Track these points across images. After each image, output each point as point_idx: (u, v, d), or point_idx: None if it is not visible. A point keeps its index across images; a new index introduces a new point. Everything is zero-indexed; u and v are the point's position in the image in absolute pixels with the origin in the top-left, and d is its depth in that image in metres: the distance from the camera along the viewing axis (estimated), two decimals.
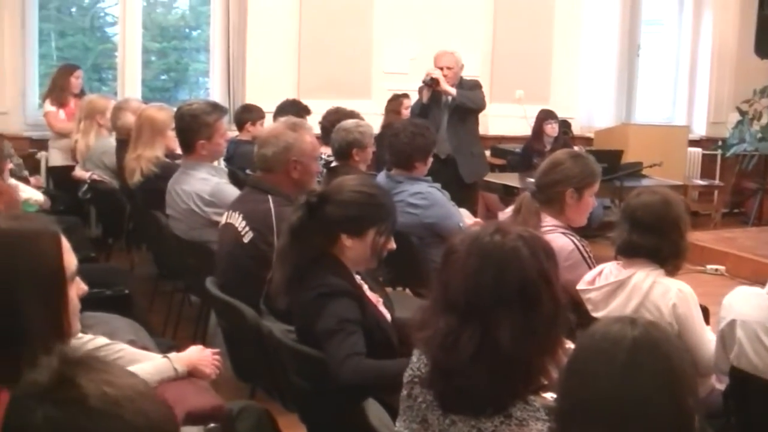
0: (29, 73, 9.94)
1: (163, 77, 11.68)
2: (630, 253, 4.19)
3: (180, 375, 3.55)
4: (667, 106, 13.56)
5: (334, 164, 6.60)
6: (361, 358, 3.42)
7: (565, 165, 4.73)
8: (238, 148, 8.61)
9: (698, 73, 13.39)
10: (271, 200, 4.83)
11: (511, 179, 9.43)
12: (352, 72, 10.76)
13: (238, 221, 4.86)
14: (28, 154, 9.43)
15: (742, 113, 12.76)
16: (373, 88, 10.95)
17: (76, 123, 8.60)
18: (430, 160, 6.36)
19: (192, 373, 3.60)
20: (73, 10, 11.21)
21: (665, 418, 2.06)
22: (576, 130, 12.11)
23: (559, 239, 4.54)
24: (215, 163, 6.23)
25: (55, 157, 9.24)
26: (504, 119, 11.47)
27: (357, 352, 3.43)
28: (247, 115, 9.22)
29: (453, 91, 8.37)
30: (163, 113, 6.83)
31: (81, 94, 9.28)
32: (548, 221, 4.70)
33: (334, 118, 7.47)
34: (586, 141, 11.89)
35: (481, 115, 8.89)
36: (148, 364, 3.42)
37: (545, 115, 10.82)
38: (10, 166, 6.63)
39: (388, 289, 4.98)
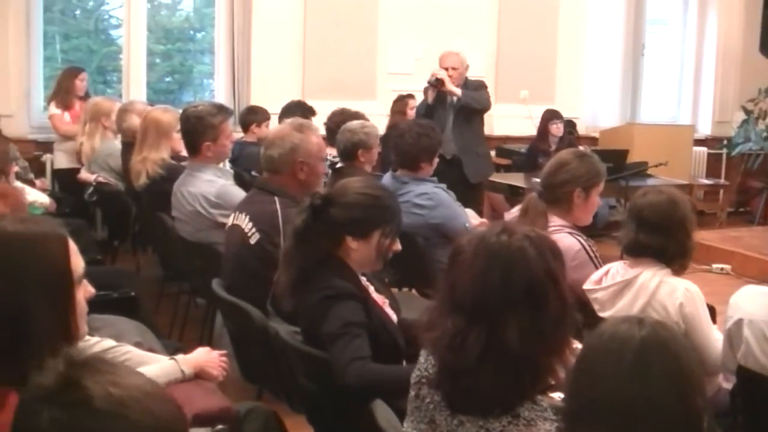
0: (34, 76, 9.94)
1: (167, 79, 11.67)
2: (636, 252, 4.18)
3: (187, 377, 3.55)
4: (672, 106, 13.56)
5: (339, 165, 6.60)
6: (365, 362, 3.40)
7: (571, 165, 4.73)
8: (244, 149, 8.60)
9: (703, 72, 13.39)
10: (277, 202, 4.83)
11: (517, 179, 9.44)
12: (356, 73, 10.75)
13: (244, 223, 4.86)
14: (34, 156, 9.43)
15: (748, 112, 12.76)
16: (378, 89, 10.94)
17: (82, 125, 8.59)
18: (436, 160, 6.36)
19: (199, 375, 3.60)
20: (78, 12, 11.21)
21: (674, 418, 2.06)
22: (581, 129, 12.12)
23: (566, 239, 4.53)
24: (221, 165, 6.23)
25: (60, 159, 9.24)
26: (509, 119, 11.47)
27: (361, 356, 3.42)
28: (252, 116, 9.21)
29: (458, 91, 8.37)
30: (168, 115, 6.83)
31: (86, 97, 9.27)
32: (555, 221, 4.70)
33: (339, 119, 7.46)
34: (591, 141, 11.88)
35: (486, 116, 8.89)
36: (155, 366, 3.42)
37: (550, 115, 10.82)
38: (16, 169, 6.64)
39: (395, 290, 4.98)
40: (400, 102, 10.37)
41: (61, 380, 1.69)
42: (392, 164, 6.56)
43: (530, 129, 11.21)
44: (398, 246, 3.80)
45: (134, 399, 1.69)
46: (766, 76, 12.53)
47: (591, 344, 2.19)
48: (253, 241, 4.80)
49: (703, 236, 9.17)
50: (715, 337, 4.07)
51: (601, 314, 4.19)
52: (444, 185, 6.33)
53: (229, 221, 5.04)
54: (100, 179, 7.94)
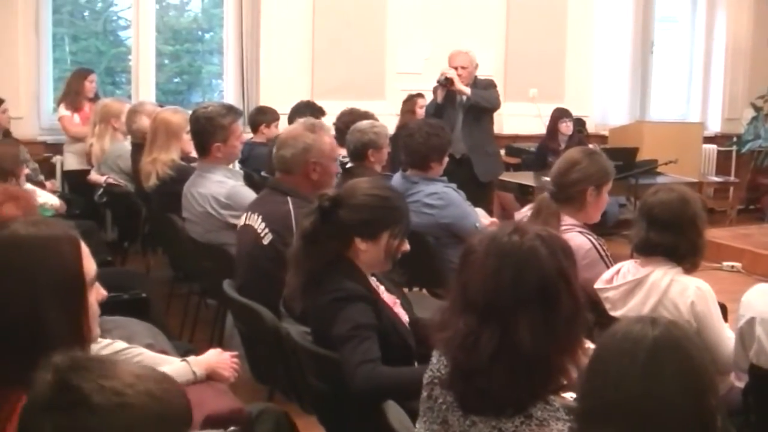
0: (43, 78, 9.95)
1: (176, 80, 11.68)
2: (647, 251, 4.18)
3: (199, 378, 3.56)
4: (682, 103, 13.54)
5: (349, 165, 6.59)
6: (375, 365, 3.40)
7: (582, 164, 4.73)
8: (253, 150, 8.61)
9: (712, 69, 13.37)
10: (290, 202, 4.83)
11: (526, 178, 9.43)
12: (365, 73, 10.75)
13: (257, 223, 4.86)
14: (44, 158, 9.45)
15: (757, 109, 12.74)
16: (387, 89, 10.94)
17: (91, 127, 8.61)
18: (446, 160, 6.35)
19: (211, 377, 3.61)
20: (86, 14, 11.23)
21: (687, 417, 2.06)
22: (590, 128, 12.11)
23: (577, 238, 4.53)
24: (230, 166, 6.23)
25: (70, 161, 9.25)
26: (518, 118, 11.46)
27: (371, 359, 3.41)
28: (262, 117, 9.22)
29: (467, 90, 8.36)
30: (177, 116, 6.83)
31: (95, 98, 9.28)
32: (565, 220, 4.69)
33: (348, 119, 7.46)
34: (601, 139, 11.86)
35: (495, 115, 8.88)
36: (167, 368, 3.40)
37: (560, 114, 10.82)
38: (27, 171, 6.65)
39: (405, 290, 4.98)
40: (410, 101, 10.37)
41: (53, 387, 1.70)
42: (402, 164, 6.56)
43: (539, 128, 11.21)
44: (407, 246, 3.79)
45: (128, 385, 1.71)
46: None
47: (604, 344, 2.19)
48: (265, 241, 4.80)
49: (714, 234, 9.14)
50: (727, 336, 4.06)
51: (613, 313, 4.19)
52: (454, 185, 6.32)
53: (241, 221, 5.04)
54: (110, 180, 7.95)
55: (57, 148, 9.56)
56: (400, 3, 11.03)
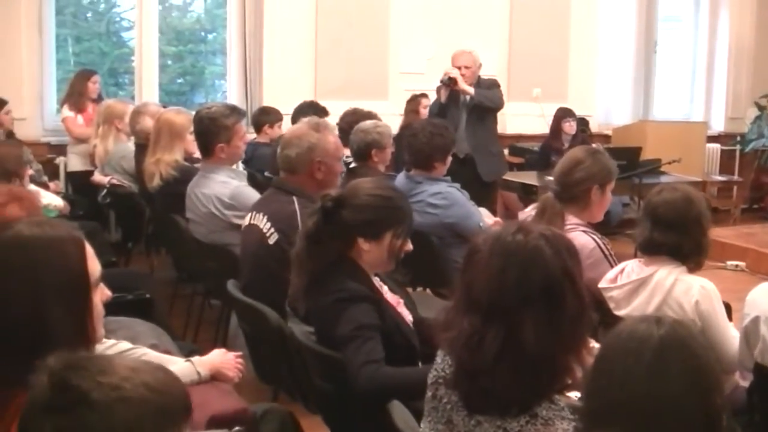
0: (47, 79, 9.98)
1: (179, 81, 11.68)
2: (652, 250, 4.17)
3: (203, 379, 3.56)
4: (685, 103, 13.54)
5: (353, 165, 6.59)
6: (378, 366, 3.40)
7: (586, 163, 4.72)
8: (257, 150, 8.61)
9: (716, 68, 13.36)
10: (296, 201, 4.83)
11: (530, 178, 9.44)
12: (368, 73, 10.74)
13: (262, 223, 4.86)
14: (47, 159, 9.46)
15: (761, 108, 12.74)
16: (390, 89, 10.94)
17: (95, 128, 8.62)
18: (449, 159, 6.35)
19: (215, 377, 3.61)
20: (89, 15, 11.23)
21: (693, 417, 2.06)
22: (594, 127, 12.10)
23: (581, 237, 4.53)
24: (234, 166, 6.23)
25: (73, 162, 9.26)
26: (522, 118, 11.45)
27: (374, 360, 3.41)
28: (265, 117, 9.23)
29: (471, 90, 8.36)
30: (181, 117, 6.83)
31: (99, 99, 9.29)
32: (569, 219, 4.69)
33: (351, 119, 7.46)
34: (604, 138, 11.85)
35: (499, 114, 8.86)
36: (171, 368, 3.42)
37: (563, 113, 10.80)
38: (30, 172, 6.64)
39: (408, 290, 4.97)
40: (414, 101, 10.38)
41: (52, 388, 1.71)
42: (406, 164, 6.56)
43: (543, 127, 11.20)
44: (410, 246, 3.79)
45: (125, 379, 1.72)
46: None
47: (609, 344, 2.19)
48: (271, 241, 4.79)
49: (717, 233, 9.12)
50: (731, 335, 4.05)
51: (617, 312, 4.18)
52: (458, 184, 6.32)
53: (246, 221, 5.04)
54: (114, 181, 7.95)
55: (60, 149, 9.57)
56: (403, 3, 11.03)
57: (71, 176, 9.34)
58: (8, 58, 9.50)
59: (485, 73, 8.83)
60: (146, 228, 7.65)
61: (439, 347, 2.77)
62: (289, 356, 4.06)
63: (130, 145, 8.03)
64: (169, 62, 11.35)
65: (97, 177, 8.28)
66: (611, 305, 4.25)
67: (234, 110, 6.03)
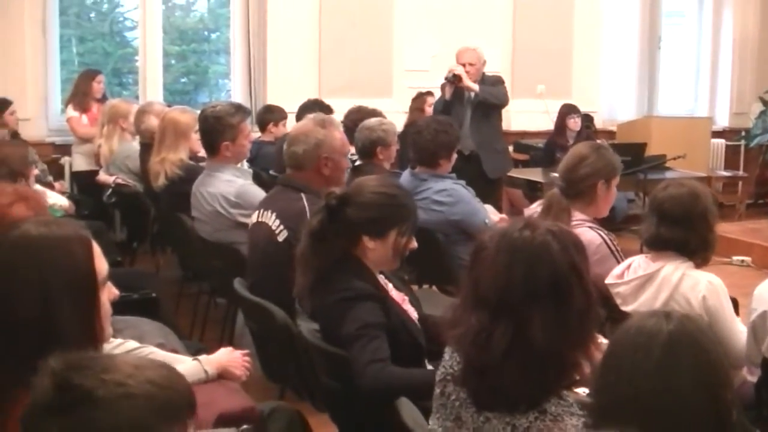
0: (51, 79, 9.98)
1: (183, 80, 11.70)
2: (658, 246, 4.17)
3: (210, 377, 3.56)
4: (690, 98, 13.50)
5: (358, 163, 6.59)
6: (384, 365, 3.39)
7: (591, 158, 4.73)
8: (261, 149, 8.61)
9: (720, 63, 13.32)
10: (304, 198, 4.82)
11: (535, 174, 9.43)
12: (373, 71, 10.74)
13: (271, 220, 4.85)
14: (52, 159, 9.47)
15: (765, 103, 12.72)
16: (395, 87, 10.94)
17: (99, 127, 8.62)
18: (454, 156, 6.34)
19: (222, 375, 3.61)
20: (93, 15, 11.26)
21: (703, 412, 2.05)
22: (598, 123, 12.08)
23: (587, 233, 4.52)
24: (239, 165, 6.23)
25: (78, 162, 9.27)
26: (526, 114, 11.44)
27: (380, 358, 3.40)
28: (270, 115, 9.23)
29: (476, 87, 8.37)
30: (186, 116, 6.83)
31: (103, 99, 9.30)
32: (575, 215, 4.69)
33: (356, 117, 7.46)
34: (609, 134, 11.84)
35: (503, 111, 8.88)
36: (178, 367, 3.41)
37: (568, 110, 10.79)
38: (36, 172, 6.64)
39: (414, 287, 4.97)
40: (419, 99, 10.38)
41: (53, 389, 1.71)
42: (411, 161, 6.55)
43: (547, 124, 11.19)
44: (414, 244, 3.79)
45: (129, 376, 1.73)
46: None
47: (618, 339, 2.18)
48: (280, 238, 4.78)
49: (723, 228, 9.10)
50: (739, 330, 4.05)
51: (624, 308, 4.18)
52: (463, 181, 6.32)
53: (253, 219, 5.03)
54: (119, 181, 7.96)
55: (65, 149, 9.59)
56: (406, 0, 11.02)
57: (76, 176, 9.35)
58: (12, 59, 9.51)
59: (489, 70, 8.83)
60: (151, 227, 7.65)
61: (446, 344, 2.77)
62: (296, 354, 4.06)
63: (135, 145, 8.04)
64: (173, 62, 11.38)
65: (102, 177, 8.29)
66: (618, 301, 4.25)
67: (239, 109, 6.02)
